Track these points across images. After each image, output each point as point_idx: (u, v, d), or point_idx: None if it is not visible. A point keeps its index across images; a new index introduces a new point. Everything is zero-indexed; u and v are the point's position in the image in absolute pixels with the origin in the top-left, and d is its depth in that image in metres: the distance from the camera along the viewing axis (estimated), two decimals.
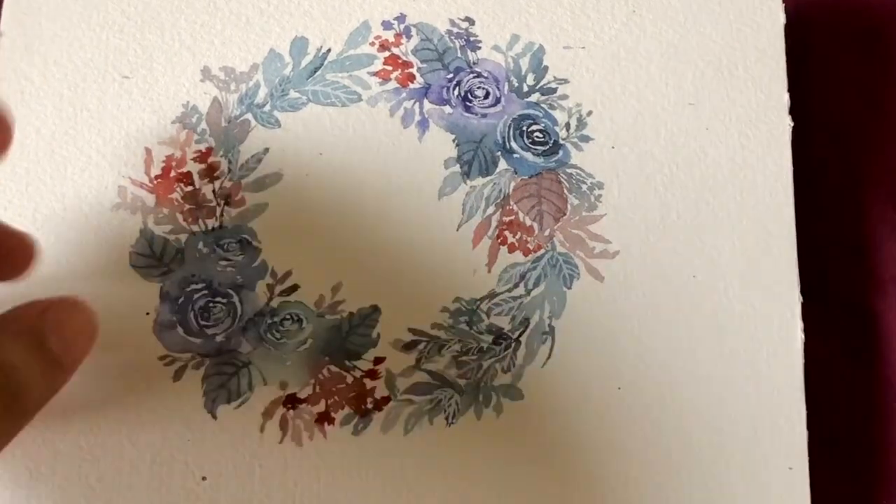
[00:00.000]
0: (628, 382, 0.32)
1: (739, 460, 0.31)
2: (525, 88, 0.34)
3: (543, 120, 0.34)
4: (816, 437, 0.32)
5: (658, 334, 0.32)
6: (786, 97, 0.35)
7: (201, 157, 0.33)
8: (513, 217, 0.33)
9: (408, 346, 0.32)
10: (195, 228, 0.32)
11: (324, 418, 0.31)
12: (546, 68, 0.34)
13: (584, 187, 0.33)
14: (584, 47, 0.35)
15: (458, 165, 0.33)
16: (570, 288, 0.32)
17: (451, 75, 0.34)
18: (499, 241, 0.33)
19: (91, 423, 0.30)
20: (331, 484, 0.30)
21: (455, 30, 0.35)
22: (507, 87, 0.34)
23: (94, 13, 0.34)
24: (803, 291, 0.33)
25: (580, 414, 0.31)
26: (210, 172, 0.33)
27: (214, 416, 0.30)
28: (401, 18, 0.35)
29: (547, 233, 0.33)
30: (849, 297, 0.35)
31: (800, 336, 0.32)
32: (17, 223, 0.31)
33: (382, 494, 0.30)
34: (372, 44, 0.34)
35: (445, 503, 0.30)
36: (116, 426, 0.30)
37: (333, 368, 0.31)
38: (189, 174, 0.33)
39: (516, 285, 0.32)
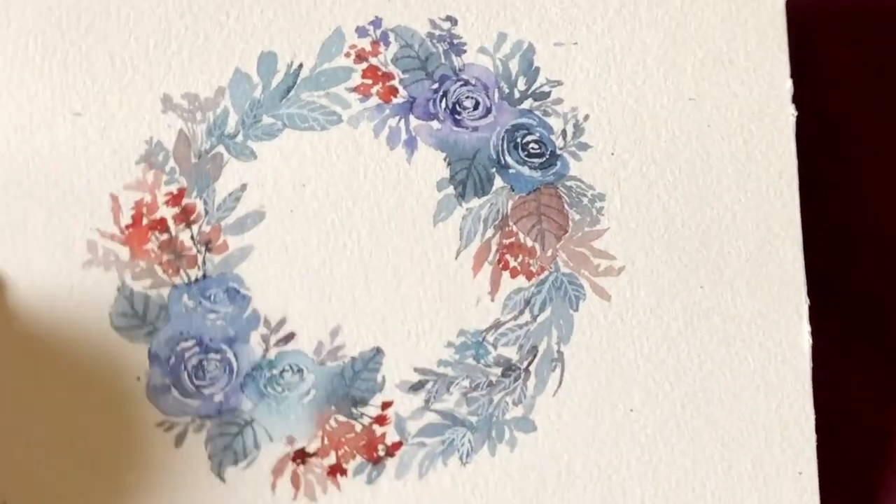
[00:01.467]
0: (640, 403, 0.35)
1: (750, 468, 0.36)
2: (517, 94, 0.36)
3: (538, 129, 0.36)
4: (824, 438, 0.37)
5: (667, 350, 0.36)
6: (788, 84, 0.37)
7: (174, 199, 0.34)
8: (513, 239, 0.36)
9: (415, 387, 0.35)
10: (177, 280, 0.34)
11: (336, 470, 0.34)
12: (537, 70, 0.36)
13: (585, 200, 0.36)
14: (576, 43, 0.36)
15: (451, 186, 0.35)
16: (576, 310, 0.36)
17: (436, 85, 0.36)
18: (500, 266, 0.35)
19: (96, 501, 0.33)
20: None
21: (437, 32, 0.36)
22: (497, 95, 0.36)
23: (31, 40, 0.34)
24: (809, 286, 0.37)
25: (594, 440, 0.35)
26: (186, 216, 0.34)
27: (223, 479, 0.33)
28: (376, 23, 0.36)
29: (549, 253, 0.36)
30: (857, 289, 0.39)
31: (807, 339, 0.37)
32: None
33: None
34: (347, 54, 0.35)
35: None
36: (121, 500, 0.33)
37: (340, 418, 0.34)
38: (163, 220, 0.34)
39: (521, 312, 0.35)
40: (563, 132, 0.36)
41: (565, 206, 0.36)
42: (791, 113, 0.37)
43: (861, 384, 0.38)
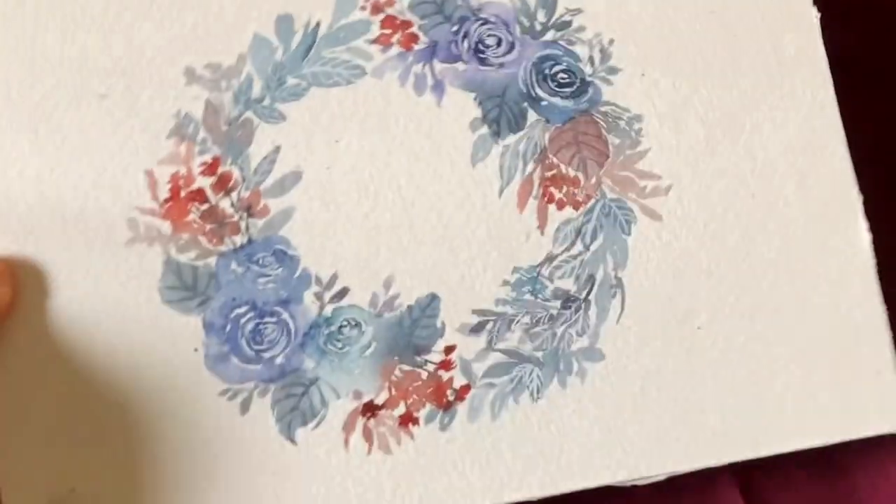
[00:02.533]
0: (707, 320, 0.43)
1: (828, 372, 0.44)
2: (538, 27, 0.45)
3: (565, 58, 0.45)
4: None
5: (726, 263, 0.44)
6: None
7: (209, 169, 0.42)
8: (555, 171, 0.44)
9: (476, 329, 0.42)
10: (223, 249, 0.42)
11: (407, 420, 0.42)
12: (555, 0, 0.46)
13: (622, 123, 0.45)
14: None
15: (485, 126, 0.44)
16: (629, 234, 0.44)
17: (455, 27, 0.45)
18: (545, 199, 0.44)
19: (164, 480, 0.40)
20: (428, 485, 0.41)
21: None
22: (518, 30, 0.45)
23: (45, 28, 0.43)
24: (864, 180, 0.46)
25: (665, 362, 0.43)
26: (223, 185, 0.43)
27: (294, 442, 0.41)
28: None
29: (593, 180, 0.44)
30: None
31: (866, 235, 0.45)
32: (29, 287, 0.41)
33: (482, 484, 0.42)
34: (363, 7, 0.44)
35: (548, 479, 0.42)
36: (192, 476, 0.41)
37: (405, 367, 0.42)
38: (201, 191, 0.42)
39: (573, 243, 0.44)
40: (591, 59, 0.45)
41: (603, 131, 0.45)
42: (814, 14, 0.47)
43: None
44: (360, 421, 0.41)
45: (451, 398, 0.42)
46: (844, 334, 0.44)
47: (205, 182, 0.42)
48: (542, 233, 0.43)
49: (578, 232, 0.43)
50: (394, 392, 0.42)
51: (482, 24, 0.44)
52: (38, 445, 0.40)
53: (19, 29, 0.42)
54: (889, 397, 0.44)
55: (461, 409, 0.42)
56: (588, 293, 0.43)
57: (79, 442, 0.40)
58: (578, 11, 0.45)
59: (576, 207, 0.43)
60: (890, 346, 0.44)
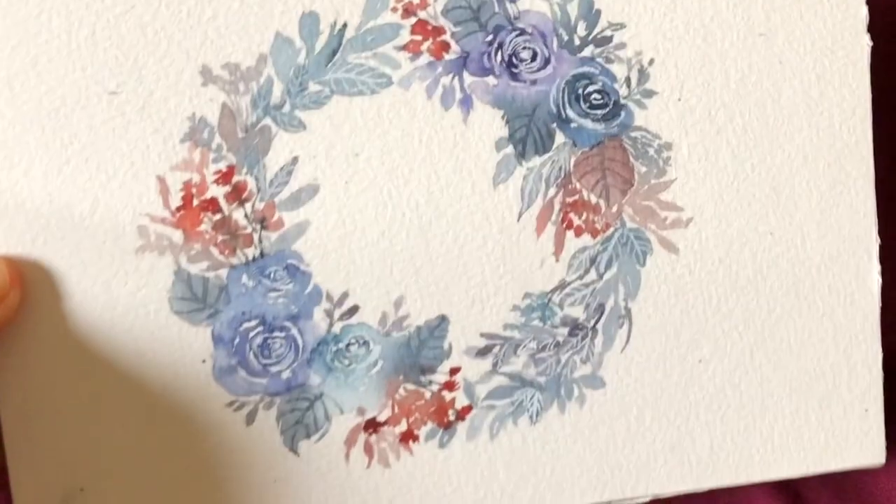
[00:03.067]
0: (708, 353, 0.46)
1: (817, 409, 0.47)
2: (576, 41, 0.44)
3: (600, 78, 0.45)
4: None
5: (736, 300, 0.46)
6: (864, 11, 0.46)
7: (223, 177, 0.43)
8: (576, 196, 0.45)
9: (482, 352, 0.45)
10: (234, 261, 0.43)
11: (408, 437, 0.45)
12: (598, 13, 0.44)
13: (651, 151, 0.45)
14: None
15: (510, 146, 0.44)
16: (643, 265, 0.46)
17: (490, 37, 0.44)
18: (564, 225, 0.45)
19: (168, 485, 0.43)
20: (424, 498, 0.45)
21: None
22: (555, 43, 0.44)
23: (54, 15, 0.41)
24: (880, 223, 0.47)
25: (663, 392, 0.46)
26: (237, 195, 0.43)
27: (297, 453, 0.44)
28: None
29: (615, 209, 0.45)
30: None
31: (877, 279, 0.47)
32: (38, 291, 0.42)
33: (475, 498, 0.46)
34: (394, 9, 0.43)
35: (538, 497, 0.46)
36: (196, 483, 0.44)
37: (409, 386, 0.45)
38: (214, 200, 0.43)
39: (587, 271, 0.45)
40: (627, 79, 0.44)
41: (630, 158, 0.45)
42: (866, 43, 0.46)
43: None
44: (362, 436, 0.44)
45: (452, 418, 0.45)
46: (839, 372, 0.47)
47: (218, 191, 0.42)
48: (557, 259, 0.45)
49: (593, 261, 0.45)
50: (397, 410, 0.44)
51: (518, 35, 0.43)
52: (48, 447, 0.42)
53: (22, 15, 0.41)
54: (873, 434, 0.47)
55: (461, 428, 0.45)
56: (596, 322, 0.45)
57: (87, 445, 0.43)
58: (621, 27, 0.44)
59: (594, 235, 0.45)
60: (880, 387, 0.47)
